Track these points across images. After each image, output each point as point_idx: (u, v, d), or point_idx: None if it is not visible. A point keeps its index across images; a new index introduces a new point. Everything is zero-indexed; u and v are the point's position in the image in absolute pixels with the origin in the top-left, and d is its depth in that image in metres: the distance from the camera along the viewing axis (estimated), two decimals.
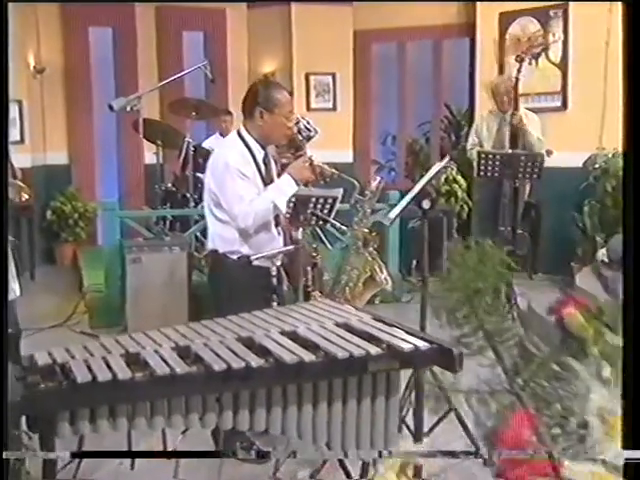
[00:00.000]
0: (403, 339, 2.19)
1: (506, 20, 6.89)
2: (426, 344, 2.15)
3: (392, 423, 2.25)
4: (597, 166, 6.22)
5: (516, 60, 5.41)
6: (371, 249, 3.35)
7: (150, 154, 6.75)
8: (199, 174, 6.15)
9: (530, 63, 6.47)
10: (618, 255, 5.57)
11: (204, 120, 7.02)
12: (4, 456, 1.52)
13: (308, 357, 2.04)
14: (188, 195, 6.17)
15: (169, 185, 6.51)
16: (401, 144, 8.19)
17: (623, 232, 1.74)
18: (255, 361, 1.99)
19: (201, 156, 6.26)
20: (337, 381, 2.15)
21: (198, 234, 5.86)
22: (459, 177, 7.24)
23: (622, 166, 1.76)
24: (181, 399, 1.97)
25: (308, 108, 7.66)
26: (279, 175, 3.26)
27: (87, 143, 7.74)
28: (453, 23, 7.45)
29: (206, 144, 6.60)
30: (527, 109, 5.83)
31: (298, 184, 3.07)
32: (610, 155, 6.16)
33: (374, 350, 2.10)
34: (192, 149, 6.16)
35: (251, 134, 3.06)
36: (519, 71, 5.36)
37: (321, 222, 4.26)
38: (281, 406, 2.10)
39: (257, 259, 2.90)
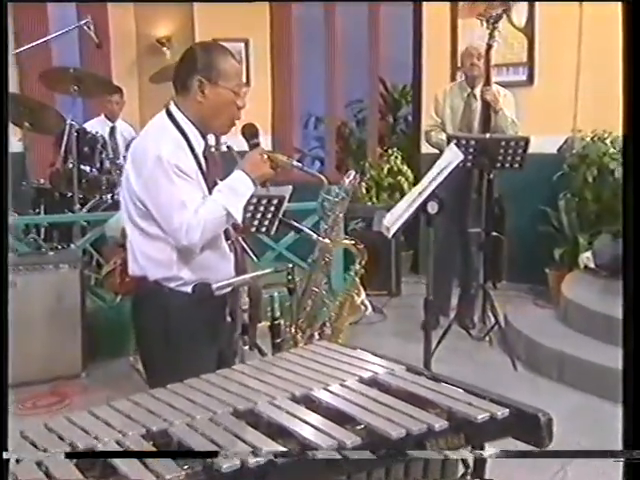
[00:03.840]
0: (469, 403, 1.83)
1: None
2: (503, 410, 1.80)
3: None
4: (574, 152, 6.12)
5: (487, 22, 5.17)
6: (358, 266, 2.97)
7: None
8: (85, 166, 5.69)
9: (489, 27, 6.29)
10: (607, 259, 5.48)
11: (87, 97, 6.43)
12: (4, 456, 1.54)
13: (350, 439, 1.64)
14: (70, 194, 5.61)
15: (42, 181, 5.92)
16: (330, 128, 7.85)
17: (623, 229, 1.83)
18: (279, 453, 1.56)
19: (87, 144, 5.80)
20: (380, 468, 1.76)
21: (88, 246, 5.32)
22: (405, 167, 7.03)
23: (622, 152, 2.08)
24: None
25: None
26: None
27: None
28: None
29: (89, 128, 6.05)
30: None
31: (255, 184, 2.64)
32: (588, 139, 6.08)
33: (438, 423, 1.73)
34: (75, 134, 5.59)
35: (186, 115, 2.60)
36: (491, 36, 5.13)
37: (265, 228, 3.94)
38: None
39: (219, 288, 2.45)
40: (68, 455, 1.53)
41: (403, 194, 6.97)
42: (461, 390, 1.93)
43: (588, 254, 5.75)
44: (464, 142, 4.95)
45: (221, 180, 2.67)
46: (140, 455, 1.55)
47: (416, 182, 7.04)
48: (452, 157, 3.06)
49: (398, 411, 1.79)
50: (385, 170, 6.93)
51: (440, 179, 2.94)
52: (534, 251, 6.31)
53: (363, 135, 8.22)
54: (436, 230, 5.64)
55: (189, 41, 7.34)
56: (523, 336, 5.10)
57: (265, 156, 2.65)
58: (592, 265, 5.69)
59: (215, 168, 2.74)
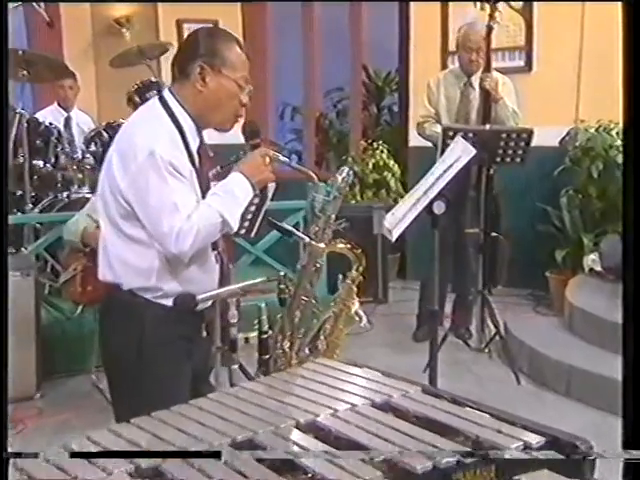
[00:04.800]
0: (499, 430, 1.77)
1: None
2: (538, 438, 1.74)
3: None
4: (577, 144, 6.10)
5: (487, 2, 5.11)
6: (355, 273, 2.90)
7: None
8: (37, 161, 5.59)
9: (483, 8, 6.23)
10: (615, 262, 5.46)
11: (39, 82, 6.32)
12: (4, 456, 1.61)
13: (372, 475, 1.56)
14: (20, 192, 5.49)
15: None
16: (308, 119, 7.79)
17: (623, 228, 1.95)
18: None
19: (39, 136, 5.68)
20: None
21: (42, 250, 5.20)
22: (391, 162, 6.99)
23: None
24: None
25: None
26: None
27: None
28: None
29: (41, 119, 5.93)
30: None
31: (255, 188, 2.58)
32: (593, 130, 6.06)
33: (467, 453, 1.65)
34: (25, 125, 5.46)
35: (183, 105, 2.52)
36: (492, 17, 5.06)
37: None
38: None
39: (204, 300, 2.36)
40: (73, 455, 1.58)
41: (389, 191, 7.00)
42: (487, 415, 1.86)
43: (594, 256, 5.74)
44: (462, 135, 4.88)
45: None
46: (142, 455, 1.60)
47: (403, 178, 7.09)
48: (460, 152, 3.01)
49: (419, 440, 1.72)
50: (370, 165, 6.87)
51: (448, 177, 2.90)
52: (533, 253, 6.28)
53: (344, 127, 8.18)
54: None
55: (151, 21, 7.27)
56: (526, 347, 5.08)
57: (267, 159, 2.61)
58: (598, 268, 5.68)
59: (208, 168, 2.67)
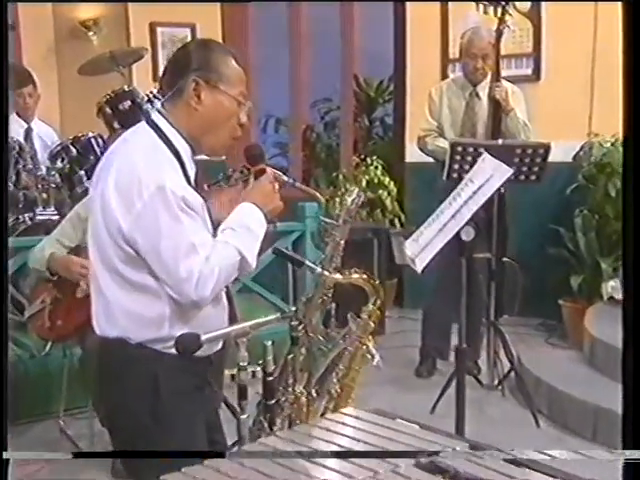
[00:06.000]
0: None
1: None
2: None
3: None
4: (592, 160, 6.05)
5: (495, 5, 5.05)
6: (372, 307, 2.79)
7: None
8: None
9: (486, 12, 6.18)
10: None
11: None
12: (4, 456, 1.76)
13: None
14: None
15: None
16: (294, 132, 7.74)
17: (623, 247, 1.93)
18: None
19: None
20: None
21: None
22: (386, 179, 6.92)
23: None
24: None
25: (154, 77, 6.97)
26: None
27: None
28: None
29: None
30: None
31: (267, 219, 2.50)
32: (609, 144, 6.01)
33: None
34: None
35: (176, 127, 2.41)
36: (502, 21, 5.01)
37: None
38: None
39: (210, 340, 2.23)
40: (75, 455, 1.83)
41: (385, 211, 6.93)
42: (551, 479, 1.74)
43: (613, 282, 5.67)
44: (471, 150, 4.81)
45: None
46: (143, 455, 1.75)
47: (400, 196, 7.01)
48: (491, 171, 2.91)
49: None
50: (363, 182, 6.79)
51: (481, 200, 2.81)
52: (544, 279, 6.21)
53: (332, 140, 8.11)
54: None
55: (121, 24, 7.17)
56: (543, 383, 4.99)
57: (277, 185, 2.55)
58: (619, 296, 5.59)
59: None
